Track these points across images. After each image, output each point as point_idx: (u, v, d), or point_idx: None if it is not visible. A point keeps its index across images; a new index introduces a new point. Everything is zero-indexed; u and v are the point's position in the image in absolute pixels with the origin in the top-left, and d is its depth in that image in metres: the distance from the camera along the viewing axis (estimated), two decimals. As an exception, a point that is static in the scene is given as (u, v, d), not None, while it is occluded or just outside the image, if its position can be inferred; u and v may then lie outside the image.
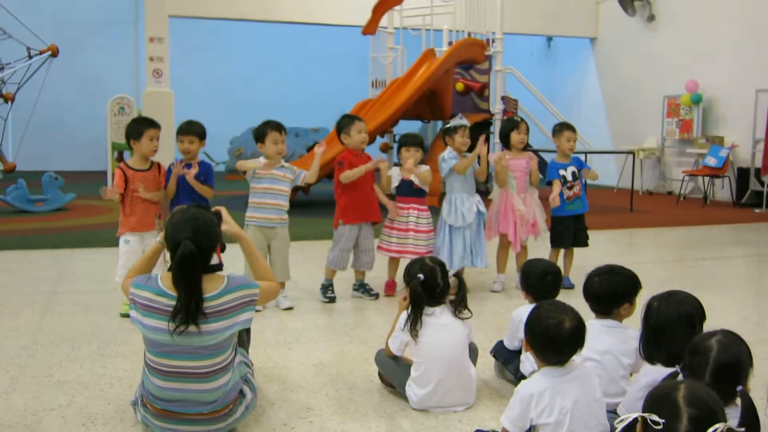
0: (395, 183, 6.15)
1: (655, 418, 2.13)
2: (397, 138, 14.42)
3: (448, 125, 6.36)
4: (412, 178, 6.11)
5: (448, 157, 6.21)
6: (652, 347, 3.01)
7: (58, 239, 8.56)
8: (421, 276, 3.62)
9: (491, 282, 6.61)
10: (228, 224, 3.40)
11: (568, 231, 6.60)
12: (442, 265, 3.73)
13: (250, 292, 3.16)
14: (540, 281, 3.89)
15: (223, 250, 3.44)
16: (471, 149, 6.45)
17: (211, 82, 19.57)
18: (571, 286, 6.22)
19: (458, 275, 3.78)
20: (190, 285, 2.99)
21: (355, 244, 6.09)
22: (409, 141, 6.11)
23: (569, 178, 6.58)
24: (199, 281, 3.02)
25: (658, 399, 2.19)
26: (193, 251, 2.98)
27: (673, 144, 15.40)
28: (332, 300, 5.99)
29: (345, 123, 6.05)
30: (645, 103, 15.90)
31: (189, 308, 2.98)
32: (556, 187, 6.52)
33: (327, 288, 6.08)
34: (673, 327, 2.96)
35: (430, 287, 3.63)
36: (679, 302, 3.05)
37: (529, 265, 4.01)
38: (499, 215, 6.49)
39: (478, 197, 6.29)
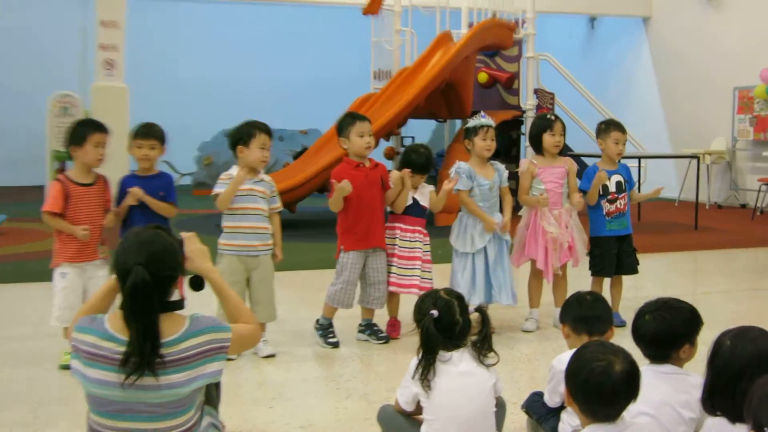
0: (409, 201, 6.21)
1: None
2: (405, 142, 14.44)
3: (467, 125, 6.38)
4: (417, 196, 6.20)
5: (460, 171, 6.23)
6: (718, 397, 2.98)
7: (-17, 272, 8.55)
8: (434, 312, 3.61)
9: (523, 319, 6.60)
10: (192, 260, 3.34)
11: (610, 255, 6.60)
12: (460, 298, 3.72)
13: (220, 337, 3.13)
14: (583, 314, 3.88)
15: (201, 286, 3.38)
16: (496, 155, 6.46)
17: (174, 75, 19.64)
18: (621, 324, 6.20)
19: (481, 310, 3.77)
20: (144, 322, 2.96)
21: (362, 275, 6.10)
22: (413, 162, 6.17)
23: (612, 188, 6.58)
24: (155, 318, 2.99)
25: None
26: (146, 280, 2.96)
27: (747, 146, 15.40)
28: (335, 345, 5.99)
29: (344, 123, 6.08)
30: (711, 97, 15.93)
31: (143, 352, 2.95)
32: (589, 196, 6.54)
33: (326, 329, 6.08)
34: (749, 371, 2.93)
35: (446, 326, 3.62)
36: (754, 340, 3.04)
37: (570, 300, 4.01)
38: (526, 237, 6.50)
39: (498, 217, 6.31)
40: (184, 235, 3.34)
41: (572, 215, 6.55)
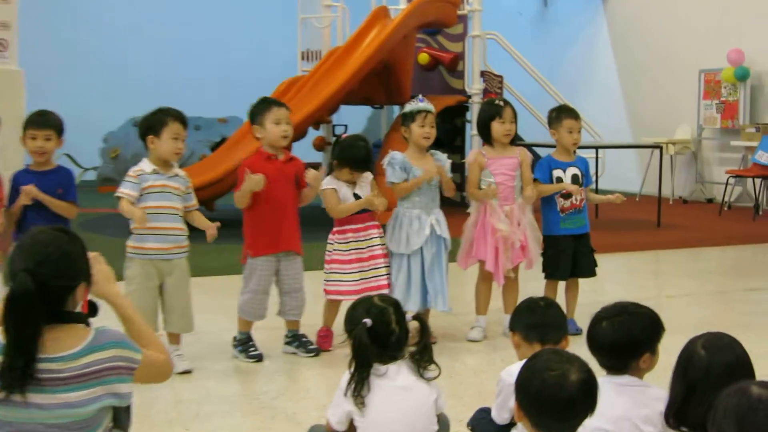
0: (349, 198, 6.22)
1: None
2: (336, 131, 14.43)
3: (403, 110, 6.40)
4: (357, 191, 6.22)
5: (394, 162, 6.26)
6: (691, 410, 3.03)
7: None
8: (367, 321, 3.59)
9: (468, 327, 6.63)
10: (96, 283, 3.28)
11: (565, 256, 6.66)
12: (396, 305, 3.71)
13: (128, 355, 3.08)
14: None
15: (94, 313, 3.32)
16: (438, 144, 6.48)
17: (76, 58, 19.37)
18: (577, 332, 6.26)
19: (420, 318, 3.77)
20: (20, 334, 2.91)
21: (277, 283, 6.09)
22: (352, 159, 6.17)
23: (567, 182, 6.64)
24: (34, 331, 2.94)
25: None
26: (27, 288, 2.91)
27: (714, 135, 15.64)
28: (258, 358, 5.98)
29: (257, 109, 6.04)
30: (675, 81, 16.12)
31: (13, 366, 2.90)
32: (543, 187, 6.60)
33: (246, 344, 6.06)
34: (728, 381, 2.98)
35: (380, 336, 3.61)
36: (730, 347, 3.09)
37: (521, 306, 4.04)
38: (474, 236, 6.53)
39: (438, 214, 6.35)
40: (92, 255, 3.28)
41: (526, 212, 6.58)
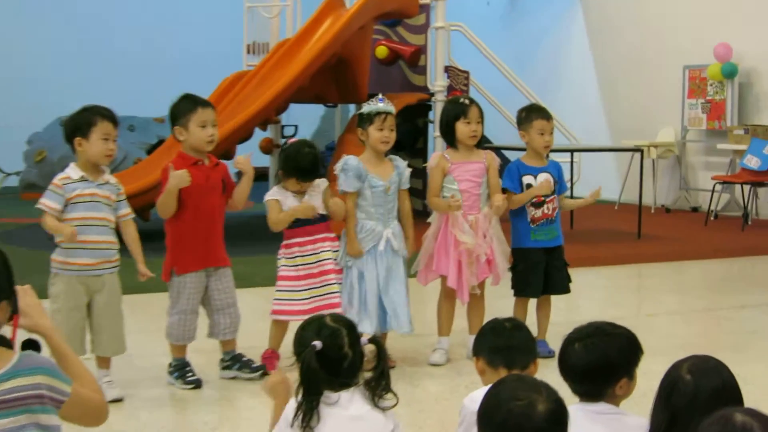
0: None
1: None
2: (285, 132, 14.41)
3: (360, 111, 6.40)
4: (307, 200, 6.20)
5: (347, 168, 6.23)
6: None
7: None
8: (317, 343, 3.57)
9: (429, 350, 6.62)
10: (27, 316, 3.26)
11: (536, 271, 6.66)
12: (350, 326, 3.69)
13: (56, 385, 3.06)
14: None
15: (36, 350, 3.29)
16: (398, 147, 6.48)
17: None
18: (549, 354, 6.27)
19: (376, 341, 3.75)
20: None
21: (206, 300, 6.06)
22: (299, 169, 6.15)
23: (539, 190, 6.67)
24: None
25: None
26: None
27: (699, 137, 15.73)
28: (196, 385, 5.96)
29: (180, 109, 5.97)
30: (657, 79, 16.19)
31: None
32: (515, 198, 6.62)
33: (182, 369, 6.02)
34: (715, 407, 3.00)
35: (331, 360, 3.59)
36: (717, 371, 3.11)
37: (485, 329, 4.04)
38: (435, 249, 6.52)
39: (395, 227, 6.36)
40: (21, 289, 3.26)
41: (492, 222, 6.58)
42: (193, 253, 5.95)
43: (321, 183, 6.28)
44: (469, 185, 6.50)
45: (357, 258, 6.23)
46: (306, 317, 5.69)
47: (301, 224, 6.17)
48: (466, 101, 6.61)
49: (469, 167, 6.53)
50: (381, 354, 3.71)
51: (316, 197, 6.23)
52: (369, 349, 3.71)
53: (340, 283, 6.24)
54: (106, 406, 3.32)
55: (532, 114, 6.72)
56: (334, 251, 6.27)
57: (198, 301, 6.03)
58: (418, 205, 12.78)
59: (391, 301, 6.27)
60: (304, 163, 6.16)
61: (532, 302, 6.76)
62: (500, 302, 6.74)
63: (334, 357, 3.60)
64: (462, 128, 6.49)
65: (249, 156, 6.15)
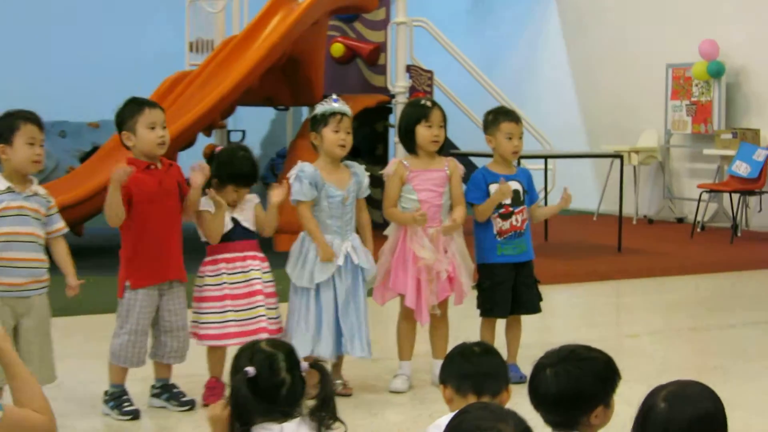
0: (227, 225, 6.16)
1: None
2: (232, 138, 14.38)
3: (314, 113, 6.38)
4: (237, 215, 6.18)
5: (303, 176, 6.21)
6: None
7: None
8: (249, 370, 3.57)
9: (390, 376, 6.62)
10: None
11: (503, 289, 6.66)
12: (288, 350, 3.67)
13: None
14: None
15: None
16: (356, 154, 6.47)
17: None
18: (521, 380, 6.22)
19: (318, 365, 3.74)
20: None
21: (153, 320, 6.05)
22: (226, 172, 6.15)
23: (506, 200, 6.64)
24: None
25: None
26: None
27: (684, 142, 15.84)
28: (134, 415, 5.94)
29: (126, 112, 5.96)
30: (638, 78, 16.23)
31: None
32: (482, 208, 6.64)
33: (119, 398, 5.99)
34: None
35: (266, 388, 3.57)
36: (692, 400, 3.13)
37: (453, 354, 4.06)
38: (392, 264, 6.51)
39: (354, 240, 6.35)
40: None
41: (454, 235, 6.59)
42: (150, 266, 5.95)
43: (252, 198, 6.29)
44: (429, 195, 6.49)
45: (330, 263, 6.20)
46: (238, 341, 5.78)
47: (230, 239, 6.17)
48: (428, 103, 6.61)
49: (429, 176, 6.52)
50: (324, 379, 3.69)
51: (248, 212, 6.23)
52: (311, 374, 3.71)
53: (273, 308, 6.22)
54: (51, 427, 3.35)
55: (499, 116, 6.71)
56: (264, 272, 6.25)
57: (149, 321, 6.02)
58: (378, 217, 12.79)
59: (349, 323, 6.26)
60: (242, 168, 6.18)
61: (501, 323, 6.77)
62: (466, 323, 6.76)
63: (269, 384, 3.58)
64: (422, 132, 6.48)
65: (205, 169, 6.10)
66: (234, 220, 6.19)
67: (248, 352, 3.66)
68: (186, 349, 6.15)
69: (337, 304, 6.24)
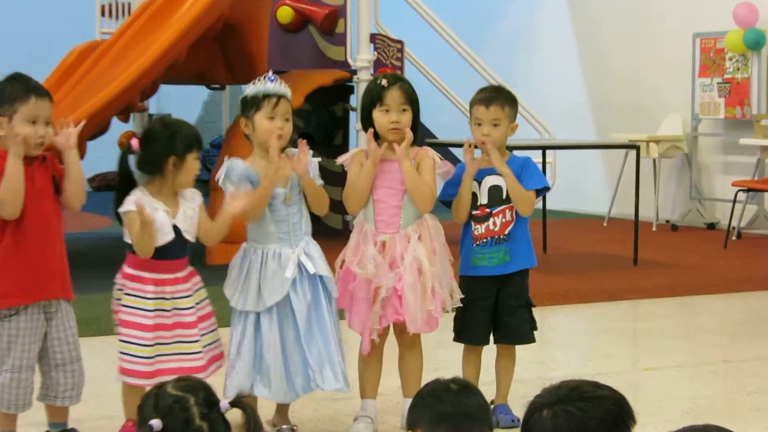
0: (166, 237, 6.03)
1: None
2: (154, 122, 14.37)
3: (244, 94, 6.34)
4: (178, 221, 6.08)
5: (231, 174, 6.18)
6: None
7: None
8: (153, 423, 3.55)
9: (351, 417, 6.58)
10: None
11: (475, 308, 6.58)
12: (205, 390, 3.67)
13: None
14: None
15: None
16: (311, 143, 6.43)
17: None
18: (513, 424, 6.32)
19: (241, 404, 3.72)
20: None
21: (40, 352, 6.00)
22: (182, 142, 6.04)
23: (483, 198, 6.59)
24: None
25: None
26: None
27: (715, 129, 15.95)
28: None
29: (6, 94, 5.85)
30: (659, 52, 16.37)
31: None
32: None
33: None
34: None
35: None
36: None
37: (423, 392, 4.04)
38: (340, 275, 6.44)
39: (307, 244, 6.30)
40: None
41: (432, 233, 6.44)
42: (23, 280, 5.88)
43: (195, 194, 6.20)
44: (385, 193, 6.40)
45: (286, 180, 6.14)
46: (151, 381, 5.76)
47: (165, 256, 6.06)
48: (383, 81, 6.43)
49: (387, 169, 6.41)
50: (250, 419, 3.68)
51: (192, 217, 6.12)
52: (232, 416, 3.68)
53: (209, 332, 6.20)
54: None
55: (473, 99, 6.68)
56: (198, 290, 6.19)
57: (36, 353, 5.95)
58: (337, 223, 12.81)
59: (317, 349, 6.18)
60: (193, 128, 6.17)
61: (491, 354, 6.72)
62: (444, 353, 6.73)
63: (179, 435, 3.57)
64: (379, 118, 6.37)
65: (77, 126, 6.03)
66: (175, 229, 6.09)
67: (152, 400, 3.63)
68: (82, 385, 6.11)
69: (297, 328, 6.17)
